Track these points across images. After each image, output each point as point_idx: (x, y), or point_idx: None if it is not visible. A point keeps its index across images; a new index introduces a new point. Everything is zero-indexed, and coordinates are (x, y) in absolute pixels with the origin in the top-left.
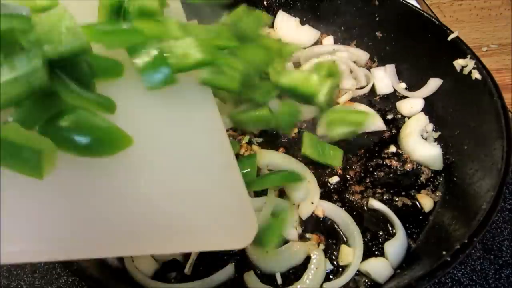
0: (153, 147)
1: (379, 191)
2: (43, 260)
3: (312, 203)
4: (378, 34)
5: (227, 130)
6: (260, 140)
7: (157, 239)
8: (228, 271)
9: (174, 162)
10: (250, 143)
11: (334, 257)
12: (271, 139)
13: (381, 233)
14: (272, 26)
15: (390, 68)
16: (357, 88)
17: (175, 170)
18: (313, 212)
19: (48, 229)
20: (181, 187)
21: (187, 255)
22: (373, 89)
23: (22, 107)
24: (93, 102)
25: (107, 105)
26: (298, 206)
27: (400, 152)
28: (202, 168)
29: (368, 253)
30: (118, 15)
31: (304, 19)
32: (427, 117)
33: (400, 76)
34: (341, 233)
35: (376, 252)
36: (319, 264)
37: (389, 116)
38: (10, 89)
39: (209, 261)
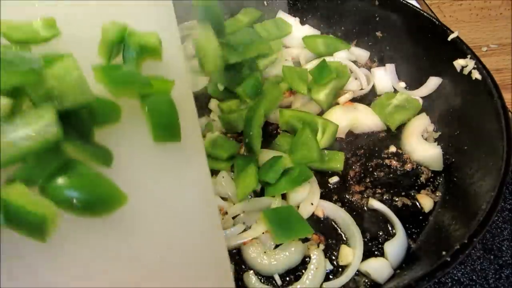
0: (146, 205)
1: (379, 191)
2: None
3: (312, 203)
4: (378, 34)
5: (225, 134)
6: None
7: None
8: None
9: (164, 224)
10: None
11: (334, 257)
12: (270, 139)
13: (381, 233)
14: None
15: (390, 67)
16: None
17: (165, 233)
18: (313, 212)
19: None
20: (169, 248)
21: None
22: (373, 89)
23: (27, 163)
24: (92, 155)
25: (105, 158)
26: (298, 207)
27: (400, 152)
28: (189, 230)
29: (368, 253)
30: (118, 51)
31: (304, 19)
32: (428, 117)
33: (400, 76)
34: (341, 233)
35: (376, 252)
36: (319, 264)
37: None
38: (23, 144)
39: None
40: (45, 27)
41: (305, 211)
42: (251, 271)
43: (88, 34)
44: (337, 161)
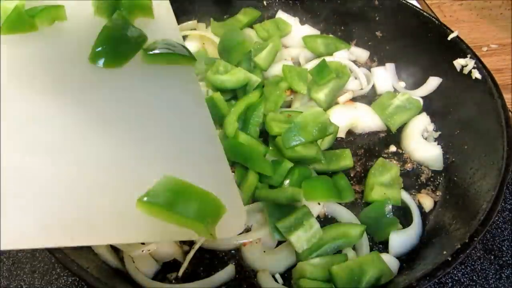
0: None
1: None
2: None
3: (319, 203)
4: (378, 34)
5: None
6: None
7: (152, 226)
8: (228, 271)
9: (169, 153)
10: None
11: None
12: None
13: None
14: None
15: (390, 67)
16: None
17: (170, 162)
18: None
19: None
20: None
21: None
22: (373, 89)
23: None
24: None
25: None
26: None
27: (400, 152)
28: (194, 161)
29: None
30: (114, 9)
31: (304, 19)
32: (428, 117)
33: (400, 75)
34: None
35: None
36: None
37: None
38: None
39: (209, 262)
40: None
41: (313, 211)
42: (266, 270)
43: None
44: (345, 159)
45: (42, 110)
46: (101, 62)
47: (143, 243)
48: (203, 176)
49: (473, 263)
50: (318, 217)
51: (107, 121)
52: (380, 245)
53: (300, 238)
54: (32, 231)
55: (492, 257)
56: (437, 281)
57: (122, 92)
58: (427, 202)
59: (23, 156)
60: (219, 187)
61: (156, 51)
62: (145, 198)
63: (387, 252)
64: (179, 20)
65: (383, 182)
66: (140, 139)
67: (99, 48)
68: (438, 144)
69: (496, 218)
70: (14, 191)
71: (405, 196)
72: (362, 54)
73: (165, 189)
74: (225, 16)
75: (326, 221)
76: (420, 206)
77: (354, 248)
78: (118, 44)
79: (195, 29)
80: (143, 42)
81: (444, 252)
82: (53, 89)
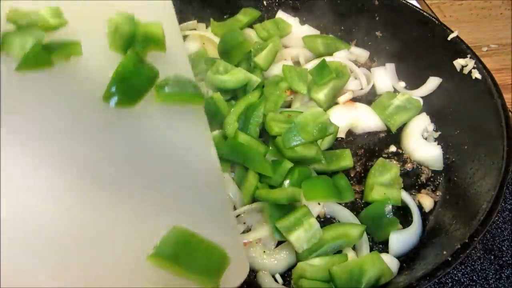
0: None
1: None
2: None
3: (319, 203)
4: (378, 34)
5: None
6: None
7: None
8: None
9: (177, 201)
10: None
11: None
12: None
13: None
14: None
15: (390, 67)
16: None
17: (178, 210)
18: None
19: None
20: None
21: None
22: (373, 89)
23: None
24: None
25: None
26: None
27: (400, 152)
28: (201, 209)
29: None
30: (130, 43)
31: (304, 19)
32: (428, 117)
33: (400, 75)
34: None
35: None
36: None
37: None
38: None
39: None
40: (52, 15)
41: (313, 211)
42: (265, 271)
43: (93, 25)
44: (346, 159)
45: (50, 159)
46: (114, 101)
47: None
48: (209, 224)
49: (473, 263)
50: (318, 217)
51: (116, 168)
52: (380, 245)
53: (300, 238)
54: None
55: (492, 257)
56: (437, 281)
57: (132, 134)
58: (427, 202)
59: (25, 213)
60: (224, 236)
61: (167, 90)
62: (154, 252)
63: (387, 252)
64: (179, 20)
65: (383, 182)
66: (148, 187)
67: (113, 88)
68: (438, 144)
69: (496, 218)
70: (18, 249)
71: (405, 196)
72: (362, 54)
73: (173, 242)
74: (225, 16)
75: (326, 221)
76: (420, 206)
77: (354, 248)
78: (131, 83)
79: (195, 29)
80: (155, 79)
81: (444, 252)
82: (61, 134)
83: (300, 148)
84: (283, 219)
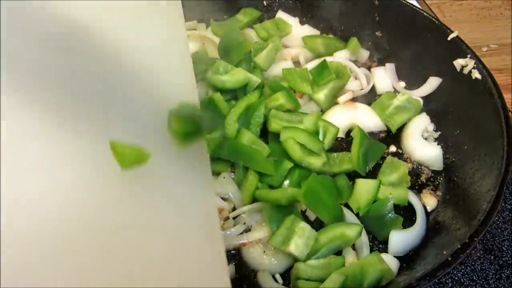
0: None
1: None
2: None
3: None
4: (378, 34)
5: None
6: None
7: None
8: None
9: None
10: None
11: None
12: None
13: None
14: None
15: (390, 67)
16: None
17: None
18: None
19: None
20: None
21: None
22: (373, 89)
23: None
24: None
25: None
26: (305, 211)
27: (400, 152)
28: (187, 235)
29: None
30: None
31: (304, 19)
32: (428, 117)
33: (400, 76)
34: None
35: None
36: None
37: None
38: None
39: None
40: None
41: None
42: (266, 270)
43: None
44: (349, 162)
45: None
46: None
47: None
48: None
49: (473, 263)
50: (318, 218)
51: None
52: (380, 245)
53: (298, 246)
54: None
55: (492, 257)
56: (437, 281)
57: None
58: (431, 201)
59: None
60: (211, 269)
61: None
62: None
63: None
64: None
65: (391, 181)
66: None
67: None
68: (438, 144)
69: (496, 218)
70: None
71: (412, 196)
72: (362, 54)
73: None
74: (225, 16)
75: None
76: (423, 206)
77: (354, 248)
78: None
79: (195, 29)
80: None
81: (444, 252)
82: None
83: (307, 157)
84: (274, 236)
